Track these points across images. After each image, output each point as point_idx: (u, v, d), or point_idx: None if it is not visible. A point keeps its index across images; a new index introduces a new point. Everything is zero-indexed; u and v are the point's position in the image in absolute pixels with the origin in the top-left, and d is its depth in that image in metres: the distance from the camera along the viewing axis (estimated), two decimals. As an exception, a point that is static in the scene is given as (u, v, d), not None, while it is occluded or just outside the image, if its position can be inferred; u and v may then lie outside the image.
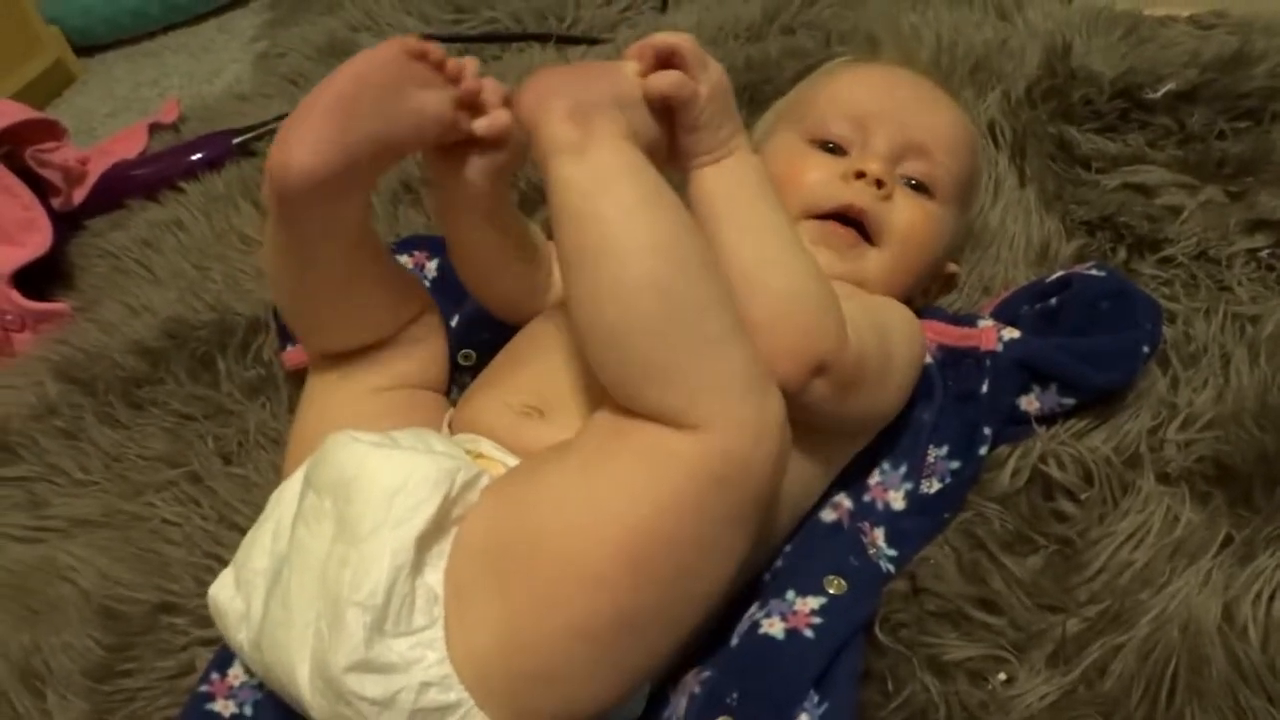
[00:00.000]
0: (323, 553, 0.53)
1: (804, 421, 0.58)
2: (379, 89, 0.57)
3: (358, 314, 0.66)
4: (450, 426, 0.67)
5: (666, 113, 0.59)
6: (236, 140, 1.14)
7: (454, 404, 0.73)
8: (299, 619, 0.53)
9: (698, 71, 0.58)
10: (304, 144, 0.54)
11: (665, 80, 0.57)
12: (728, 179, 0.59)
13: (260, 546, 0.57)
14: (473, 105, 0.61)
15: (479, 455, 0.60)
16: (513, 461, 0.60)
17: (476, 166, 0.62)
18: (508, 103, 0.61)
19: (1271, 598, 0.58)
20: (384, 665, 0.50)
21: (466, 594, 0.52)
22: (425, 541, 0.52)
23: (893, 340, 0.65)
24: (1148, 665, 0.57)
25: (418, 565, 0.51)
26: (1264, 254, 0.79)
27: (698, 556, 0.52)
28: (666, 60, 0.58)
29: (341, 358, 0.68)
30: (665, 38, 0.58)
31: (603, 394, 0.56)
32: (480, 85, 0.61)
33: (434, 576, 0.52)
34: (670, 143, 0.60)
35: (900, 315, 0.68)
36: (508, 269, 0.70)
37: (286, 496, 0.58)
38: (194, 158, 1.14)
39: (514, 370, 0.66)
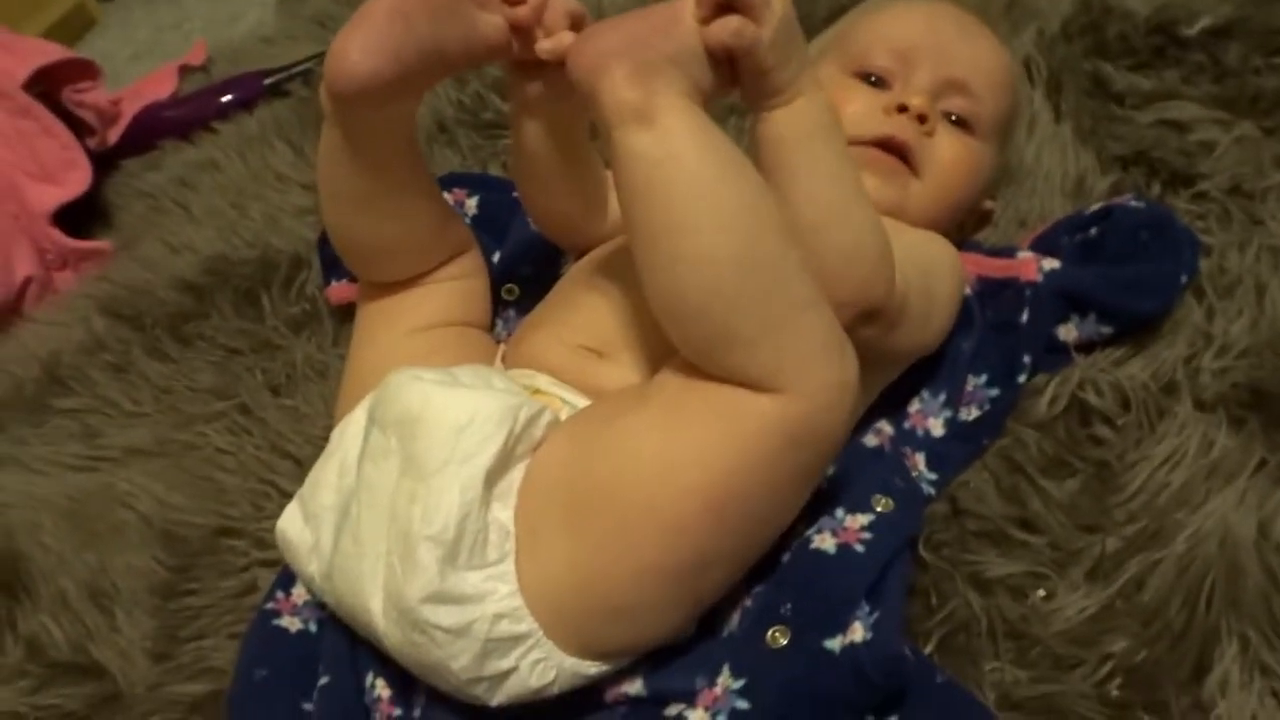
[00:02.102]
0: (390, 488, 0.54)
1: None
2: (436, 3, 0.57)
3: (407, 229, 0.67)
4: (504, 362, 0.68)
5: (730, 61, 0.55)
6: (268, 81, 1.14)
7: (499, 340, 0.75)
8: (370, 552, 0.54)
9: (760, 12, 0.53)
10: (361, 47, 0.56)
11: (725, 30, 0.53)
12: (798, 124, 0.57)
13: (326, 482, 0.59)
14: (532, 30, 0.60)
15: (536, 390, 0.62)
16: (571, 396, 0.61)
17: (541, 85, 0.63)
18: (576, 24, 0.60)
19: (1305, 515, 0.60)
20: (458, 596, 0.52)
21: (539, 531, 0.53)
22: (492, 476, 0.53)
23: (935, 277, 0.66)
24: (1185, 578, 0.59)
25: (486, 500, 0.53)
26: (1297, 188, 0.80)
27: (770, 507, 0.54)
28: (728, 6, 0.53)
29: (389, 294, 0.69)
30: None
31: (664, 339, 0.56)
32: (539, 12, 0.60)
33: (503, 512, 0.54)
34: (734, 86, 0.57)
35: (943, 250, 0.69)
36: (568, 186, 0.70)
37: (350, 433, 0.59)
38: (226, 99, 1.14)
39: (570, 310, 0.66)
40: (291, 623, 0.64)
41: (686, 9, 0.54)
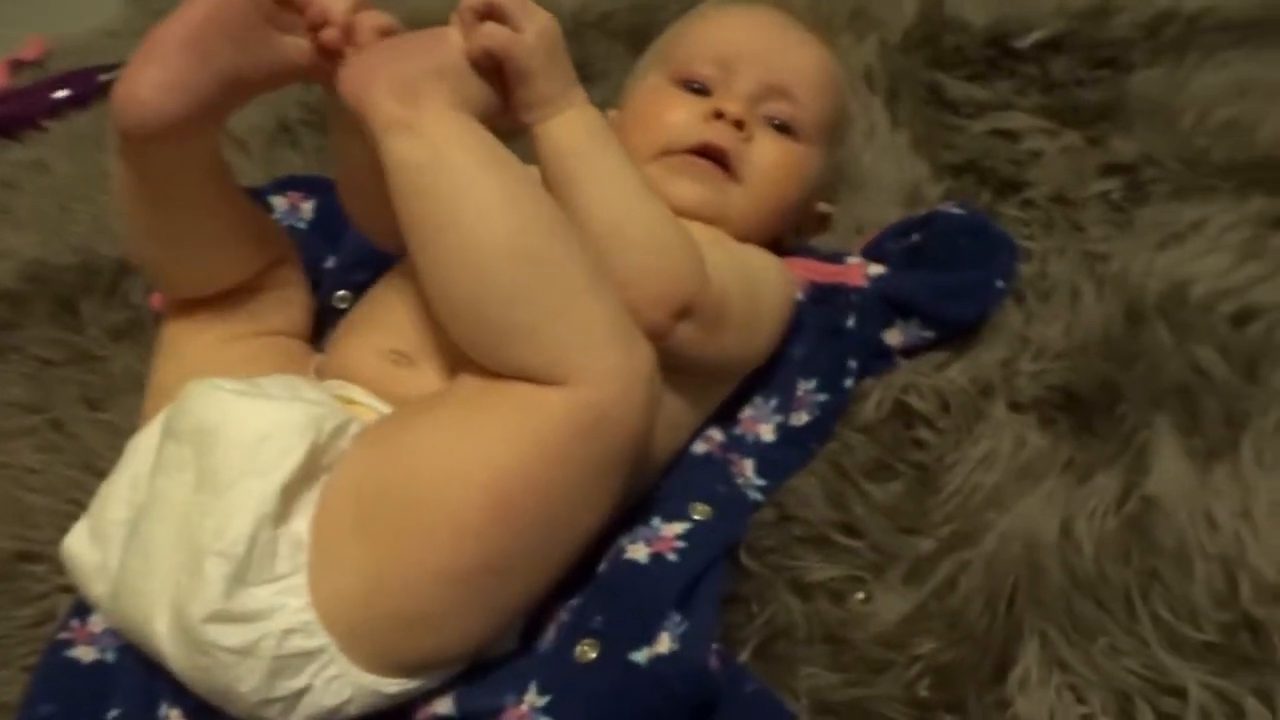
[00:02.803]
0: (184, 502, 0.52)
1: (673, 366, 0.59)
2: (234, 28, 0.55)
3: (212, 257, 0.64)
4: (318, 373, 0.66)
5: (498, 72, 0.57)
6: (103, 78, 1.09)
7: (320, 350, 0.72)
8: (159, 569, 0.52)
9: (520, 20, 0.55)
10: (152, 84, 0.52)
11: (482, 34, 0.55)
12: (571, 133, 0.58)
13: (117, 497, 0.56)
14: (342, 51, 0.57)
15: (350, 402, 0.60)
16: (385, 408, 0.59)
17: None
18: (387, 37, 0.58)
19: (1105, 513, 0.62)
20: (244, 614, 0.50)
21: (332, 540, 0.51)
22: (292, 490, 0.51)
23: (758, 284, 0.66)
24: (991, 578, 0.60)
25: (284, 514, 0.51)
26: (1115, 196, 0.83)
27: (566, 504, 0.53)
28: (486, 16, 0.56)
29: (200, 304, 0.66)
30: None
31: None
32: (348, 33, 0.57)
33: (301, 525, 0.52)
34: (506, 101, 0.58)
35: (766, 261, 0.69)
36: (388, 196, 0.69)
37: (143, 446, 0.57)
38: (57, 95, 1.08)
39: (381, 315, 0.65)
40: (86, 653, 0.60)
41: (452, 30, 0.56)
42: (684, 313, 0.58)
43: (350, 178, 0.68)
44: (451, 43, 0.56)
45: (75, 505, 0.71)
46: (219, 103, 0.56)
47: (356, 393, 0.60)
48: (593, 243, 0.54)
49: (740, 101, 0.70)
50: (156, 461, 0.55)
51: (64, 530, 0.69)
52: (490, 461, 0.50)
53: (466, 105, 0.54)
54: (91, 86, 1.09)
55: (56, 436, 0.76)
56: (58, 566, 0.67)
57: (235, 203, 0.66)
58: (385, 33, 0.58)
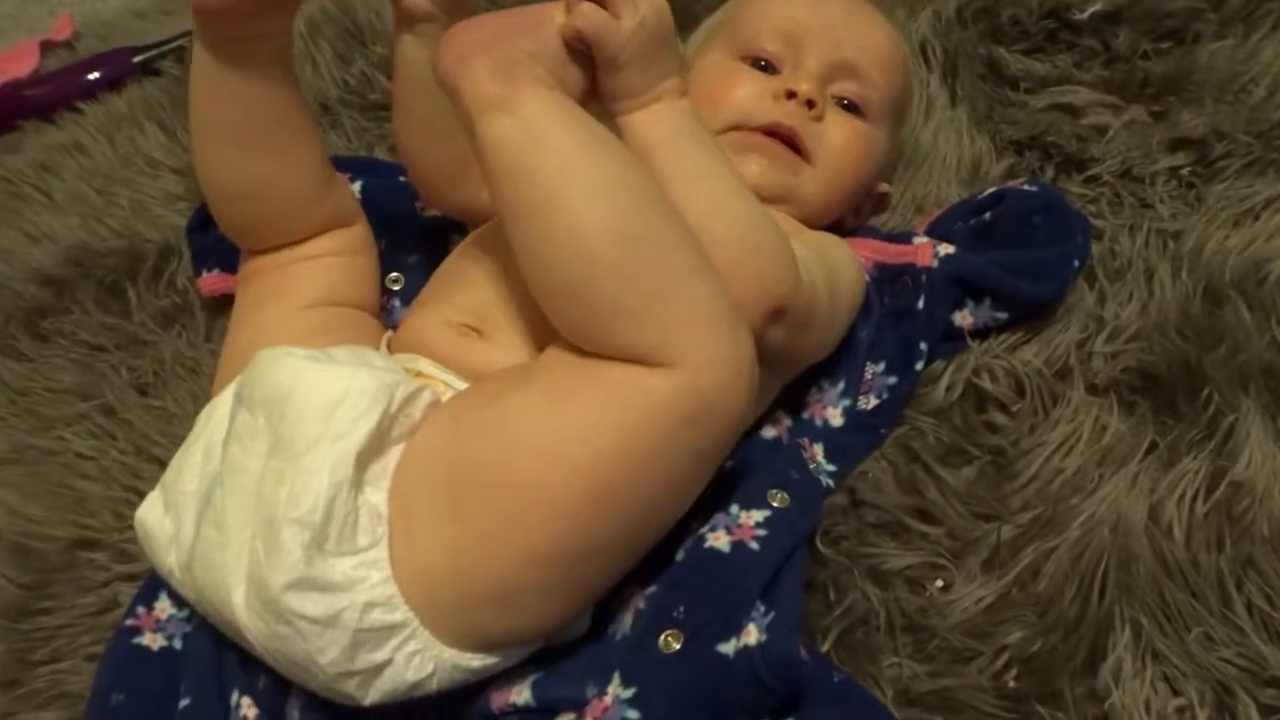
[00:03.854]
0: (258, 470, 0.51)
1: None
2: None
3: (282, 169, 0.64)
4: (389, 347, 0.65)
5: (590, 55, 0.55)
6: (137, 58, 1.07)
7: (388, 328, 0.71)
8: (234, 539, 0.51)
9: (621, 6, 0.54)
10: None
11: (578, 14, 0.53)
12: (658, 127, 0.56)
13: (190, 467, 0.55)
14: None
15: (417, 374, 0.59)
16: (453, 380, 0.58)
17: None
18: None
19: (1194, 498, 0.61)
20: (325, 584, 0.49)
21: (416, 514, 0.50)
22: (364, 458, 0.51)
23: (838, 278, 0.64)
24: (1079, 565, 0.59)
25: (357, 482, 0.50)
26: (1184, 172, 0.81)
27: (661, 490, 0.52)
28: None
29: (270, 271, 0.66)
30: None
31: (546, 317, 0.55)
32: None
33: (376, 495, 0.51)
34: (595, 86, 0.56)
35: (842, 251, 0.68)
36: (448, 126, 0.65)
37: (216, 415, 0.56)
38: (92, 77, 1.07)
39: (452, 288, 0.64)
40: (153, 640, 0.59)
41: (555, 11, 0.54)
42: (777, 316, 0.56)
43: (410, 104, 0.67)
44: (552, 27, 0.54)
45: (131, 492, 0.70)
46: None
47: (425, 365, 0.59)
48: None
49: (811, 80, 0.68)
50: (229, 430, 0.54)
51: (121, 517, 0.69)
52: (590, 444, 0.49)
53: (561, 89, 0.53)
54: (126, 68, 1.07)
55: (108, 423, 0.76)
56: (117, 554, 0.67)
57: (304, 121, 0.65)
58: None
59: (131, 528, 0.67)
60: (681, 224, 0.52)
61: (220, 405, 0.56)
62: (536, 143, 0.51)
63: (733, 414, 0.51)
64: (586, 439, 0.49)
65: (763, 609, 0.54)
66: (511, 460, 0.50)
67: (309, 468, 0.49)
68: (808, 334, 0.61)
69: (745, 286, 0.54)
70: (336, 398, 0.50)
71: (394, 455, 0.52)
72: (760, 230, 0.56)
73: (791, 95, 0.68)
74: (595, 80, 0.56)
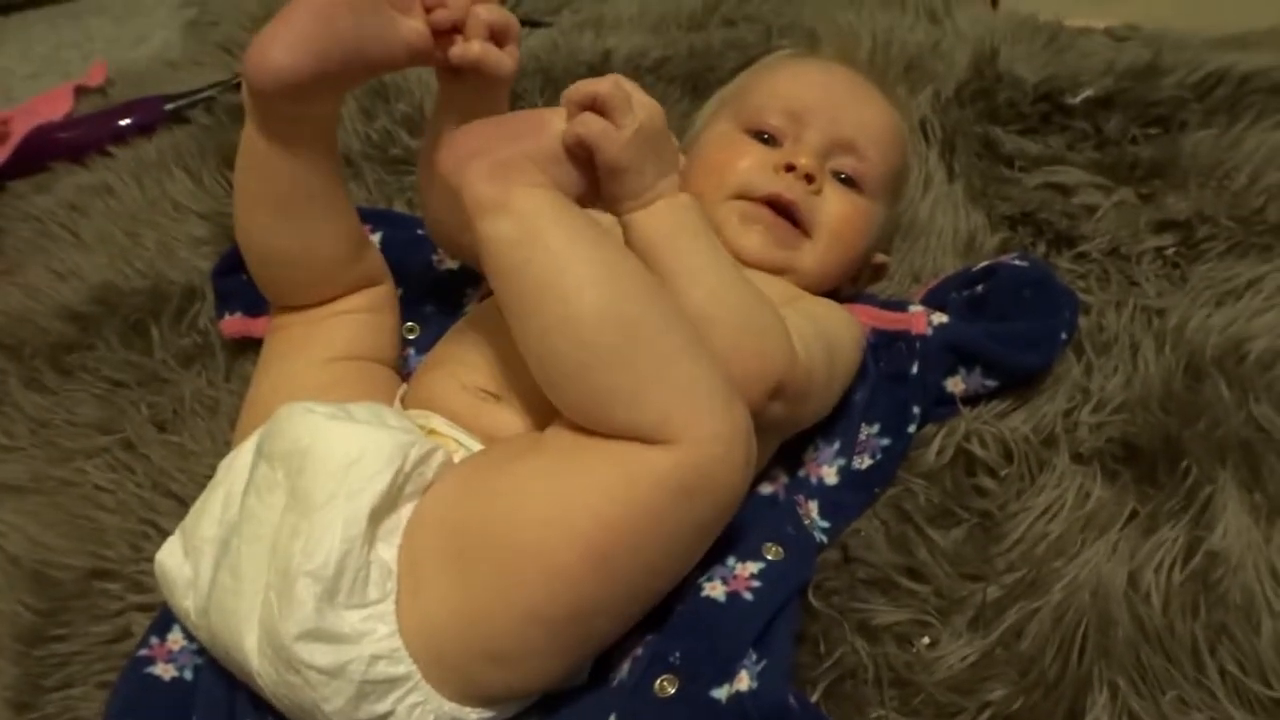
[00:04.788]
0: (274, 523, 0.53)
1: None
2: (358, 4, 0.59)
3: (320, 240, 0.66)
4: (403, 402, 0.67)
5: (590, 160, 0.58)
6: (169, 106, 1.12)
7: (403, 378, 0.74)
8: (249, 588, 0.53)
9: (620, 116, 0.57)
10: (284, 43, 0.57)
11: (578, 122, 0.57)
12: (657, 225, 0.59)
13: (210, 515, 0.57)
14: (451, 35, 0.63)
15: (431, 431, 0.61)
16: (465, 438, 0.60)
17: (463, 87, 0.66)
18: (497, 34, 0.63)
19: (1172, 566, 0.63)
20: (334, 635, 0.51)
21: (423, 571, 0.52)
22: (378, 514, 0.53)
23: (836, 347, 0.67)
24: (1061, 627, 0.61)
25: (370, 537, 0.52)
26: (1170, 252, 0.84)
27: (661, 558, 0.54)
28: (588, 107, 0.58)
29: (299, 324, 0.68)
30: (585, 85, 0.58)
31: None
32: (458, 17, 0.62)
33: (387, 551, 0.53)
34: (596, 189, 0.60)
35: (842, 320, 0.71)
36: None
37: (237, 465, 0.58)
38: (124, 123, 1.11)
39: (469, 350, 0.66)
40: (165, 670, 0.61)
41: (555, 116, 0.58)
42: (776, 393, 0.59)
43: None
44: (551, 128, 0.58)
45: (148, 525, 0.72)
46: (338, 72, 0.59)
47: (438, 423, 0.62)
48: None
49: (810, 155, 0.72)
50: (249, 481, 0.56)
51: (137, 549, 0.71)
52: (592, 512, 0.51)
53: (559, 188, 0.56)
54: (158, 115, 1.11)
55: (127, 456, 0.78)
56: (132, 584, 0.69)
57: (342, 197, 0.68)
58: (495, 29, 0.63)
59: (147, 559, 0.69)
60: (673, 307, 0.55)
61: (241, 455, 0.58)
62: (530, 238, 0.54)
63: (731, 485, 0.54)
64: (589, 507, 0.51)
65: (755, 657, 0.56)
66: (516, 524, 0.52)
67: (324, 522, 0.51)
68: (806, 404, 0.64)
69: (746, 366, 0.58)
70: (353, 456, 0.52)
71: (406, 512, 0.54)
72: (757, 314, 0.60)
73: (791, 168, 0.71)
74: (595, 182, 0.59)
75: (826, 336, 0.65)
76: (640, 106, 0.58)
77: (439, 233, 0.76)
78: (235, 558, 0.54)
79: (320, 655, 0.51)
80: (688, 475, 0.52)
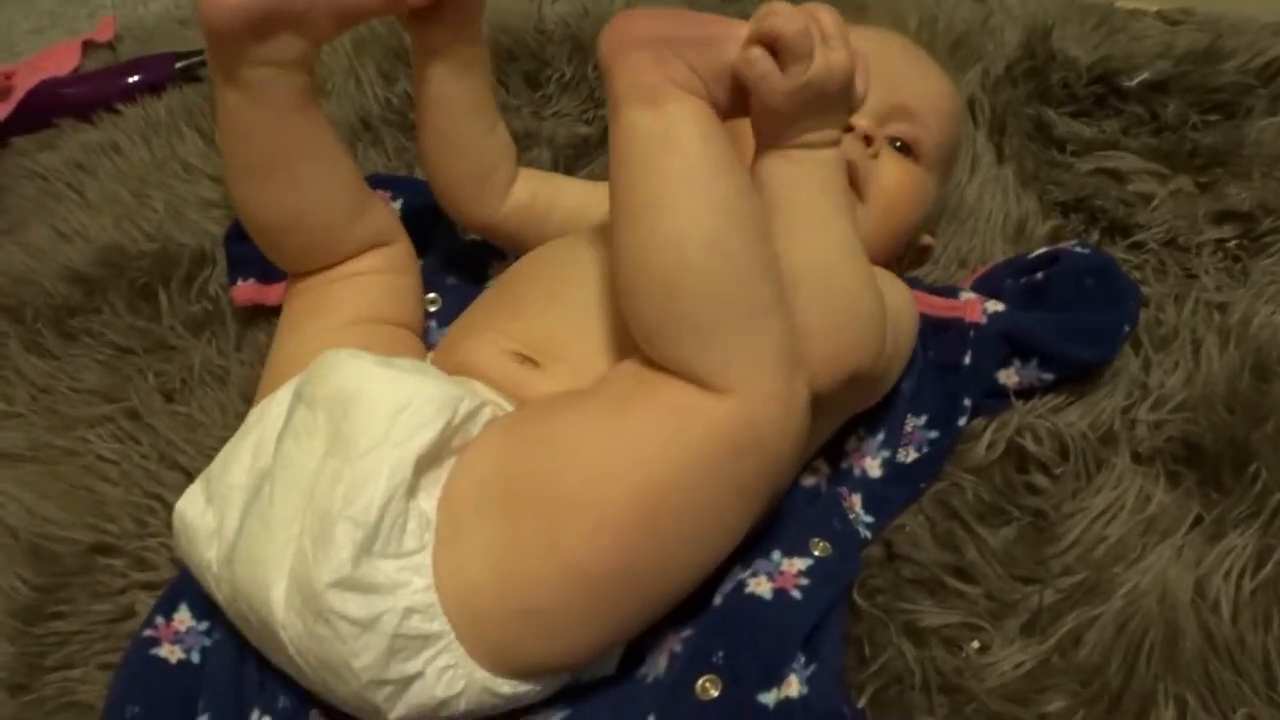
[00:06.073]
0: (312, 468, 0.51)
1: None
2: None
3: (311, 201, 0.63)
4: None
5: (746, 91, 0.54)
6: (179, 64, 1.08)
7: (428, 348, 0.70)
8: (280, 534, 0.50)
9: (792, 63, 0.52)
10: None
11: (744, 58, 0.52)
12: (790, 170, 0.56)
13: (239, 462, 0.55)
14: None
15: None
16: (504, 404, 0.57)
17: (441, 28, 0.64)
18: None
19: (1241, 574, 0.59)
20: (369, 585, 0.48)
21: (464, 523, 0.50)
22: (422, 465, 0.50)
23: (900, 328, 0.64)
24: (1124, 636, 0.57)
25: (412, 488, 0.50)
26: (1230, 244, 0.80)
27: (706, 520, 0.52)
28: (768, 44, 0.52)
29: (316, 288, 0.65)
30: (775, 19, 0.51)
31: (603, 350, 0.57)
32: None
33: (427, 503, 0.51)
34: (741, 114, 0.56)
35: (904, 296, 0.67)
36: (467, 143, 0.69)
37: (271, 412, 0.55)
38: (132, 79, 1.07)
39: (507, 316, 0.63)
40: (171, 652, 0.58)
41: (736, 35, 0.53)
42: (850, 380, 0.56)
43: (430, 121, 0.68)
44: (726, 46, 0.53)
45: (153, 499, 0.69)
46: (303, 10, 0.57)
47: (479, 388, 0.59)
48: (787, 281, 0.53)
49: (868, 117, 0.68)
50: (285, 426, 0.53)
51: (141, 524, 0.68)
52: (643, 463, 0.49)
53: (710, 103, 0.53)
54: (167, 73, 1.07)
55: (132, 426, 0.74)
56: (136, 561, 0.65)
57: (333, 152, 0.65)
58: None
59: (152, 534, 0.66)
60: (774, 262, 0.52)
61: (275, 403, 0.55)
62: (670, 143, 0.51)
63: (779, 452, 0.52)
64: (639, 457, 0.50)
65: (803, 660, 0.52)
66: (563, 471, 0.50)
67: (368, 469, 0.49)
68: (871, 390, 0.62)
69: (835, 349, 0.55)
70: (401, 404, 0.50)
71: (448, 466, 0.52)
72: (863, 295, 0.57)
73: (849, 129, 0.68)
74: (748, 108, 0.55)
75: (894, 322, 0.61)
76: (824, 58, 0.52)
77: (443, 198, 0.73)
78: (266, 504, 0.52)
79: (353, 605, 0.48)
80: (740, 429, 0.50)
